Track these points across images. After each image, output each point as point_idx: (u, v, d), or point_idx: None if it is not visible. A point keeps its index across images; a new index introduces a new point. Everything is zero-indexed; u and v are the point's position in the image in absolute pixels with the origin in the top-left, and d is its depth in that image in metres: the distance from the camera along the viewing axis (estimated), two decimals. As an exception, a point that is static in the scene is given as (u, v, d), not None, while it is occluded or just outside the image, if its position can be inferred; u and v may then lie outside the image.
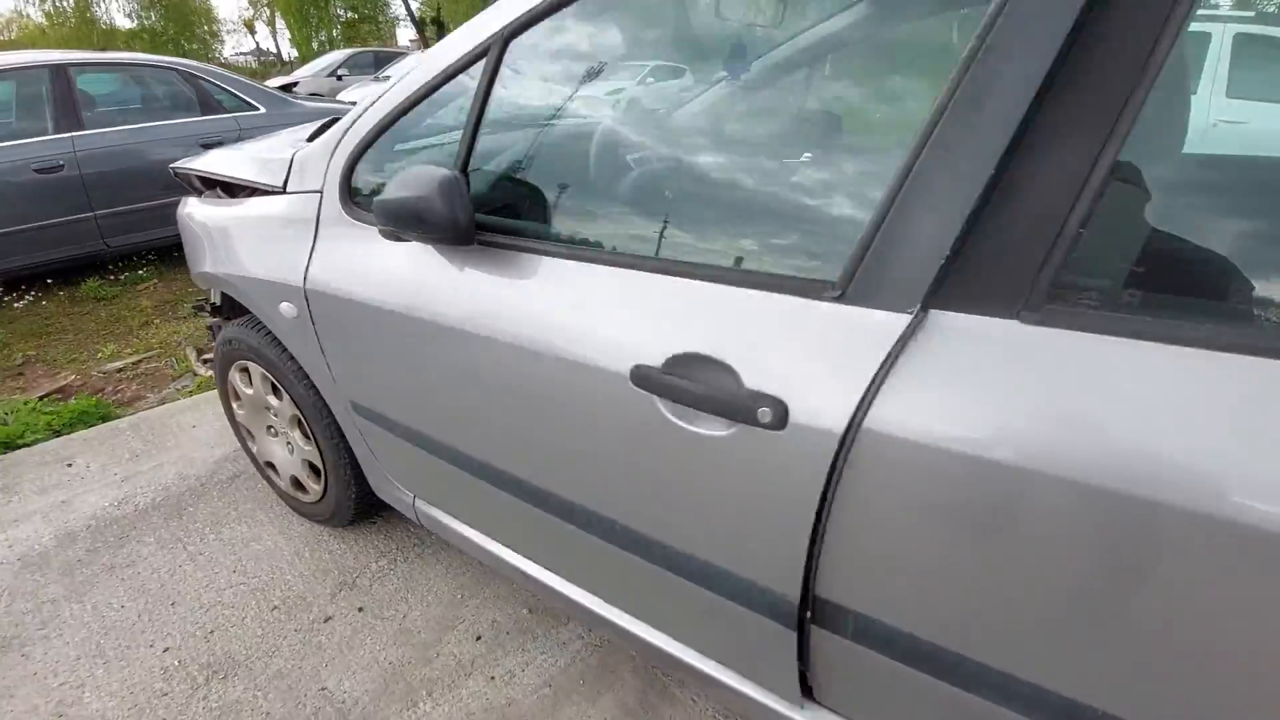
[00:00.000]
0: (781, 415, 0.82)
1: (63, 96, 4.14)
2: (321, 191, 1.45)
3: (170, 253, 5.02)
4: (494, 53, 1.13)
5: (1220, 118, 3.81)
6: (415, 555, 1.91)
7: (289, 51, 29.51)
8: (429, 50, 1.31)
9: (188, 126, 4.55)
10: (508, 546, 1.40)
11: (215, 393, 2.76)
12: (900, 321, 0.76)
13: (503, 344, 1.10)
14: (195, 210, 1.86)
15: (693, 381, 0.90)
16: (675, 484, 0.98)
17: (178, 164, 2.00)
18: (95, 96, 4.41)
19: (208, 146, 4.54)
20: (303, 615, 1.72)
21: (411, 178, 1.08)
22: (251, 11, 31.46)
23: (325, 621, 1.70)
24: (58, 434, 2.57)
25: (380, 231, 1.26)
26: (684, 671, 1.17)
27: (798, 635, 0.94)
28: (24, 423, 2.57)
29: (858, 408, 0.77)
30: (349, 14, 28.14)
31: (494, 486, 1.27)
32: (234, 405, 2.02)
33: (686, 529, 1.00)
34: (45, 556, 1.92)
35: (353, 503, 1.82)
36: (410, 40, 33.76)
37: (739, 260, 0.98)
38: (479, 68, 1.16)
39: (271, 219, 1.58)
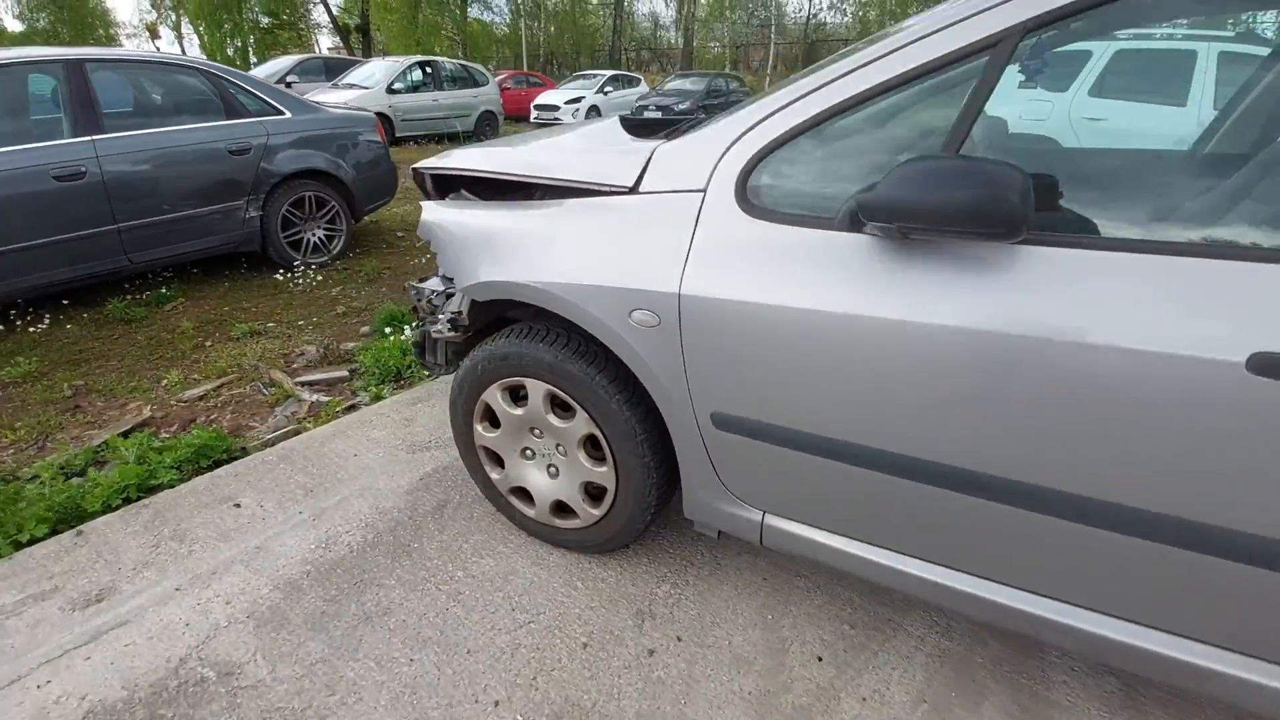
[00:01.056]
0: None
1: (80, 95, 3.69)
2: (704, 191, 1.35)
3: (188, 270, 4.56)
4: (1005, 46, 1.09)
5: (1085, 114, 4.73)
6: (695, 577, 1.80)
7: (197, 57, 27.63)
8: (870, 48, 1.24)
9: (214, 131, 4.17)
10: (901, 553, 1.34)
11: (355, 418, 2.53)
12: None
13: (1036, 340, 1.06)
14: (463, 215, 1.70)
15: None
16: (1263, 465, 0.97)
17: (422, 164, 1.82)
18: (113, 97, 3.95)
19: (235, 153, 4.20)
20: (621, 650, 1.58)
21: (957, 173, 1.02)
22: (154, 15, 29.21)
23: (650, 655, 1.57)
24: (182, 472, 2.26)
25: (875, 229, 1.14)
26: (1172, 671, 1.16)
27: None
28: (152, 462, 2.25)
29: None
30: (266, 20, 26.64)
31: (946, 490, 1.22)
32: (478, 429, 1.85)
33: (1256, 506, 0.99)
34: (279, 611, 1.68)
35: (644, 526, 1.71)
36: (330, 48, 32.38)
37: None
38: (976, 62, 1.12)
39: (616, 221, 1.45)
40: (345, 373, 3.14)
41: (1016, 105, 6.29)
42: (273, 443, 2.48)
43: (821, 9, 23.96)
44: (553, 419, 1.69)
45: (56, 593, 1.71)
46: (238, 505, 2.07)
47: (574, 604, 1.71)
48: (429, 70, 11.55)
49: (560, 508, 1.82)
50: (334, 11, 27.22)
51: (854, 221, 1.20)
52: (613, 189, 1.47)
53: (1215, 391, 0.97)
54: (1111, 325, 1.02)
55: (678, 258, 1.36)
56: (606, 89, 15.06)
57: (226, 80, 4.33)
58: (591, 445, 1.69)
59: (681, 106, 13.73)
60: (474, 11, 26.04)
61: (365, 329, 3.72)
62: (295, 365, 3.28)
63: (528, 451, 1.82)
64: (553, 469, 1.79)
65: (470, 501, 2.09)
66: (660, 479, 1.63)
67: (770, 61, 21.90)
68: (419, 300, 2.14)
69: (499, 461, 1.89)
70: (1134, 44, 5.80)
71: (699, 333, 1.36)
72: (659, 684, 1.50)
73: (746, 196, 1.31)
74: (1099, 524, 1.11)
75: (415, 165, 1.85)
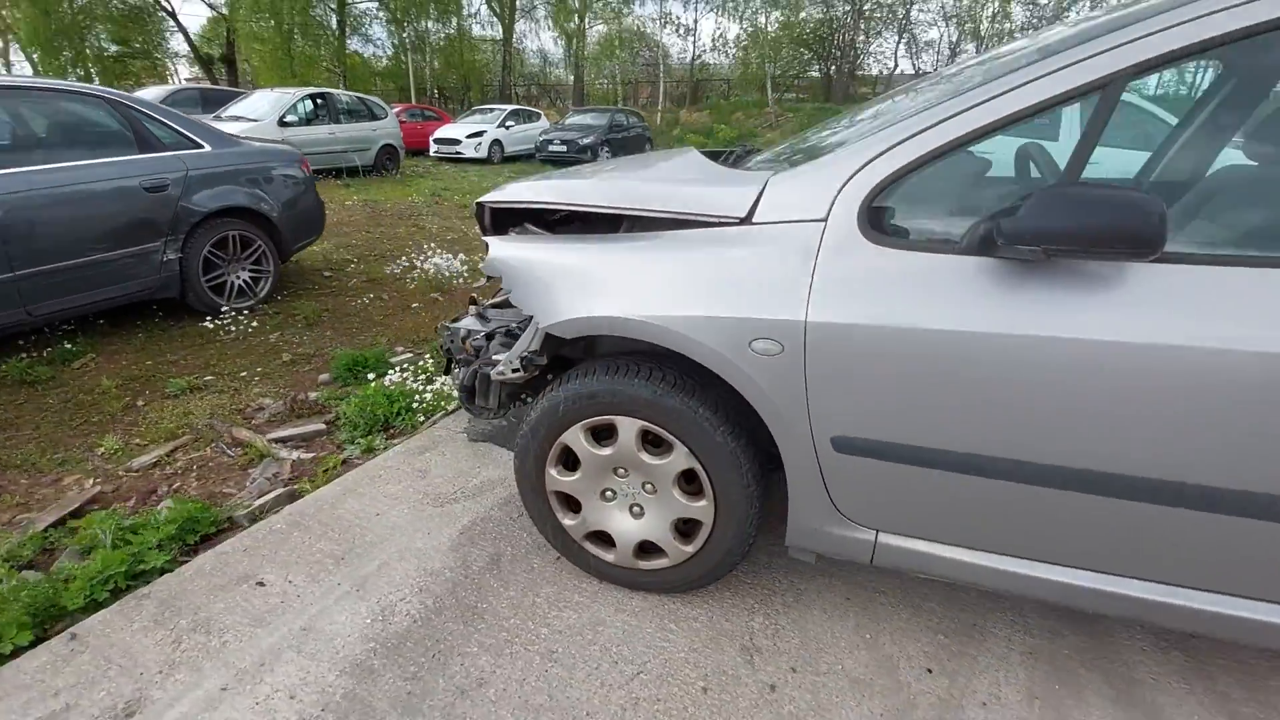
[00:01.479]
0: None
1: (-37, 126, 3.19)
2: (825, 220, 1.38)
3: (92, 321, 4.00)
4: (1115, 88, 1.22)
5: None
6: (784, 605, 1.79)
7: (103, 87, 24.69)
8: (996, 89, 1.31)
9: (126, 166, 3.73)
10: (1020, 557, 1.42)
11: (359, 474, 2.33)
12: None
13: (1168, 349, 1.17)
14: (546, 250, 1.63)
15: None
16: None
17: (487, 198, 1.72)
18: (2, 129, 3.44)
19: (151, 190, 3.78)
20: (743, 690, 1.54)
21: (1101, 201, 1.12)
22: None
23: (772, 690, 1.54)
24: (172, 552, 1.97)
25: (1039, 253, 1.20)
26: (1238, 630, 1.30)
27: None
28: (133, 545, 1.93)
29: None
30: (115, 48, 24.28)
31: (1047, 488, 1.30)
32: (551, 473, 1.75)
33: None
34: (358, 699, 1.48)
35: (741, 558, 1.68)
36: (187, 78, 30.00)
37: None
38: (1090, 99, 1.24)
39: (730, 253, 1.45)
40: (321, 425, 2.87)
41: None
42: (269, 509, 2.22)
43: (705, 50, 25.31)
44: (645, 456, 1.64)
45: (72, 711, 1.42)
46: (261, 584, 1.82)
47: (675, 648, 1.65)
48: (322, 102, 10.99)
49: (643, 549, 1.75)
50: (194, 40, 25.31)
51: (984, 245, 1.27)
52: (723, 220, 1.48)
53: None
54: (1234, 329, 1.15)
55: (801, 286, 1.38)
56: (508, 123, 15.00)
57: (137, 110, 3.90)
58: (685, 480, 1.65)
59: (586, 141, 13.94)
60: (353, 44, 25.16)
61: (324, 377, 3.43)
62: (257, 421, 2.96)
63: (608, 493, 1.74)
64: (636, 509, 1.73)
65: (526, 552, 1.97)
66: (761, 509, 1.62)
67: (660, 99, 22.81)
68: (454, 342, 2.02)
69: (572, 507, 1.80)
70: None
71: (825, 359, 1.38)
72: (790, 717, 1.47)
73: (871, 224, 1.36)
74: (1230, 511, 1.23)
75: (479, 199, 1.76)
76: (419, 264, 5.45)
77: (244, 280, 4.45)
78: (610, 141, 14.49)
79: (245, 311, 4.29)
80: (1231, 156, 1.73)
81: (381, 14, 24.32)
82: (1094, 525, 1.33)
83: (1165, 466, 1.24)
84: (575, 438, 1.68)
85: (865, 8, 22.07)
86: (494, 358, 1.84)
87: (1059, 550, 1.39)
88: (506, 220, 1.83)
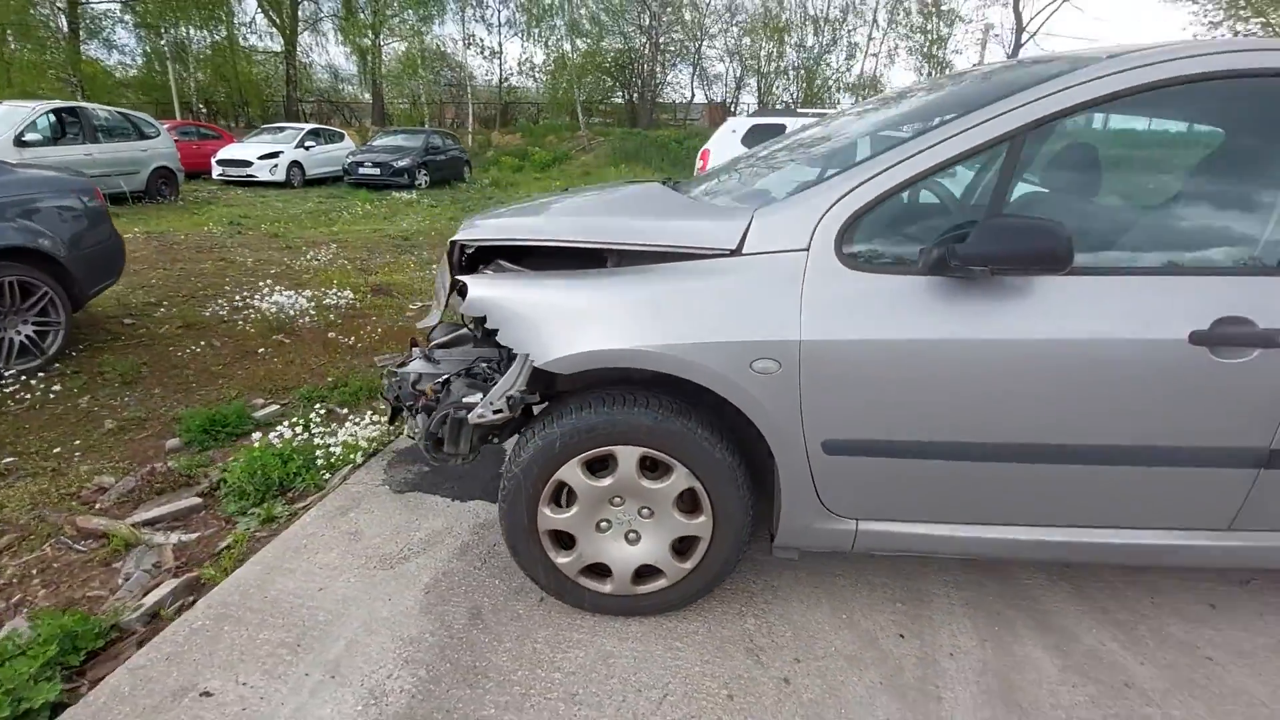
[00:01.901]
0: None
1: None
2: (808, 250, 1.55)
3: None
4: (1019, 139, 1.53)
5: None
6: (766, 604, 1.93)
7: None
8: (938, 136, 1.55)
9: None
10: (980, 523, 1.70)
11: (277, 547, 2.08)
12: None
13: (1064, 342, 1.50)
14: (535, 288, 1.60)
15: (1235, 332, 1.49)
16: (1200, 400, 1.53)
17: (462, 235, 1.63)
18: None
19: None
20: (763, 688, 1.63)
21: (1029, 229, 1.40)
22: None
23: (787, 683, 1.66)
24: (62, 679, 1.59)
25: (986, 271, 1.44)
26: (1131, 556, 1.70)
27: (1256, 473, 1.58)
28: (3, 681, 1.52)
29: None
30: None
31: (995, 462, 1.59)
32: (544, 512, 1.70)
33: (1195, 428, 1.56)
34: (379, 793, 1.33)
35: (735, 565, 1.79)
36: None
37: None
38: (1001, 150, 1.54)
39: (725, 282, 1.55)
40: (196, 499, 2.46)
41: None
42: (171, 606, 1.87)
43: (512, 73, 25.30)
44: (645, 482, 1.68)
45: None
46: (207, 693, 1.54)
47: (689, 663, 1.70)
48: (73, 118, 9.23)
49: (639, 574, 1.78)
50: None
51: (937, 266, 1.51)
52: (715, 251, 1.58)
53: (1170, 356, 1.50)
54: (1114, 324, 1.51)
55: (792, 310, 1.53)
56: (307, 143, 13.73)
57: None
58: (682, 500, 1.72)
59: (402, 163, 13.26)
60: (92, 50, 21.36)
61: (174, 442, 2.93)
62: (103, 504, 2.46)
63: (603, 524, 1.75)
64: (632, 535, 1.76)
65: (506, 600, 1.89)
66: (754, 517, 1.74)
67: (469, 121, 22.34)
68: (404, 388, 1.90)
69: (564, 543, 1.77)
70: (813, 121, 7.45)
71: (815, 372, 1.54)
72: (814, 704, 1.60)
73: (845, 252, 1.55)
74: (1098, 461, 1.58)
75: (453, 238, 1.67)
76: (254, 303, 4.84)
77: (27, 336, 3.64)
78: (428, 164, 13.91)
79: (37, 374, 3.50)
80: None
81: (127, 17, 20.96)
82: (1025, 487, 1.64)
83: (1075, 432, 1.57)
84: (572, 473, 1.67)
85: (661, 41, 23.71)
86: (465, 400, 1.76)
87: (1000, 513, 1.69)
88: (474, 258, 1.76)
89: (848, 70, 23.90)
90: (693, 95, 26.16)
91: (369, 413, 2.98)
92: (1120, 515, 1.68)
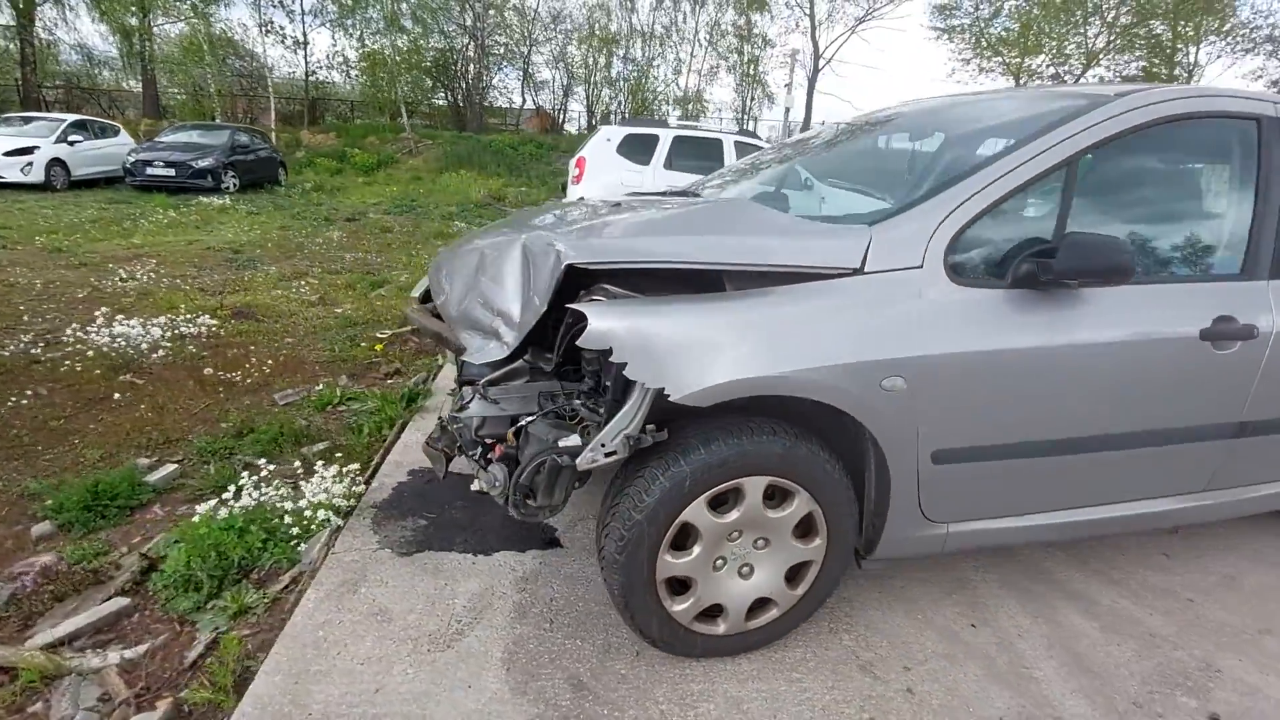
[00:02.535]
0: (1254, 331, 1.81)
1: None
2: (921, 266, 1.58)
3: None
4: (1075, 162, 1.69)
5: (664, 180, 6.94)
6: (849, 616, 1.94)
7: None
8: (1015, 161, 1.65)
9: None
10: (1046, 511, 1.87)
11: (284, 646, 1.71)
12: None
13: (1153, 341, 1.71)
14: (663, 317, 1.44)
15: (1226, 328, 1.79)
16: (1204, 386, 1.83)
17: (579, 257, 1.41)
18: None
19: None
20: (892, 703, 1.64)
21: (1107, 245, 1.55)
22: None
23: (911, 693, 1.68)
24: None
25: (1074, 284, 1.59)
26: (1146, 522, 1.99)
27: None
28: None
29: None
30: None
31: (1068, 455, 1.77)
32: (666, 559, 1.55)
33: (1197, 409, 1.86)
34: None
35: (838, 584, 1.78)
36: None
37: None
38: (1062, 172, 1.69)
39: (851, 301, 1.53)
40: (121, 599, 1.91)
41: (618, 174, 7.70)
42: (174, 750, 1.42)
43: (321, 67, 22.81)
44: (769, 512, 1.60)
45: None
46: None
47: (816, 693, 1.65)
48: None
49: (753, 608, 1.70)
50: None
51: (1027, 280, 1.63)
52: (839, 271, 1.55)
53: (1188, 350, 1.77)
54: (1151, 326, 1.74)
55: (913, 326, 1.56)
56: (72, 138, 11.28)
57: None
58: (799, 525, 1.67)
59: (204, 163, 11.45)
60: None
61: (42, 527, 2.25)
62: (-25, 628, 1.81)
63: (719, 561, 1.64)
64: (745, 569, 1.67)
65: (601, 661, 1.70)
66: (868, 530, 1.75)
67: (270, 117, 19.81)
68: (469, 435, 1.64)
69: (676, 590, 1.63)
70: (685, 133, 7.77)
71: (933, 386, 1.58)
72: (945, 709, 1.64)
73: (950, 267, 1.61)
74: (1139, 445, 1.82)
75: (568, 261, 1.43)
76: (81, 336, 3.87)
77: None
78: (235, 165, 12.13)
79: None
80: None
81: None
82: (1087, 474, 1.83)
83: (1126, 421, 1.79)
84: (699, 511, 1.54)
85: (486, 43, 22.96)
86: (563, 444, 1.54)
87: (1065, 499, 1.86)
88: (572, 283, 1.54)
89: (675, 84, 25.10)
90: (524, 101, 25.76)
91: (320, 463, 2.51)
92: (1144, 488, 1.94)
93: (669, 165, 7.66)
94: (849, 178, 2.35)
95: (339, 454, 2.84)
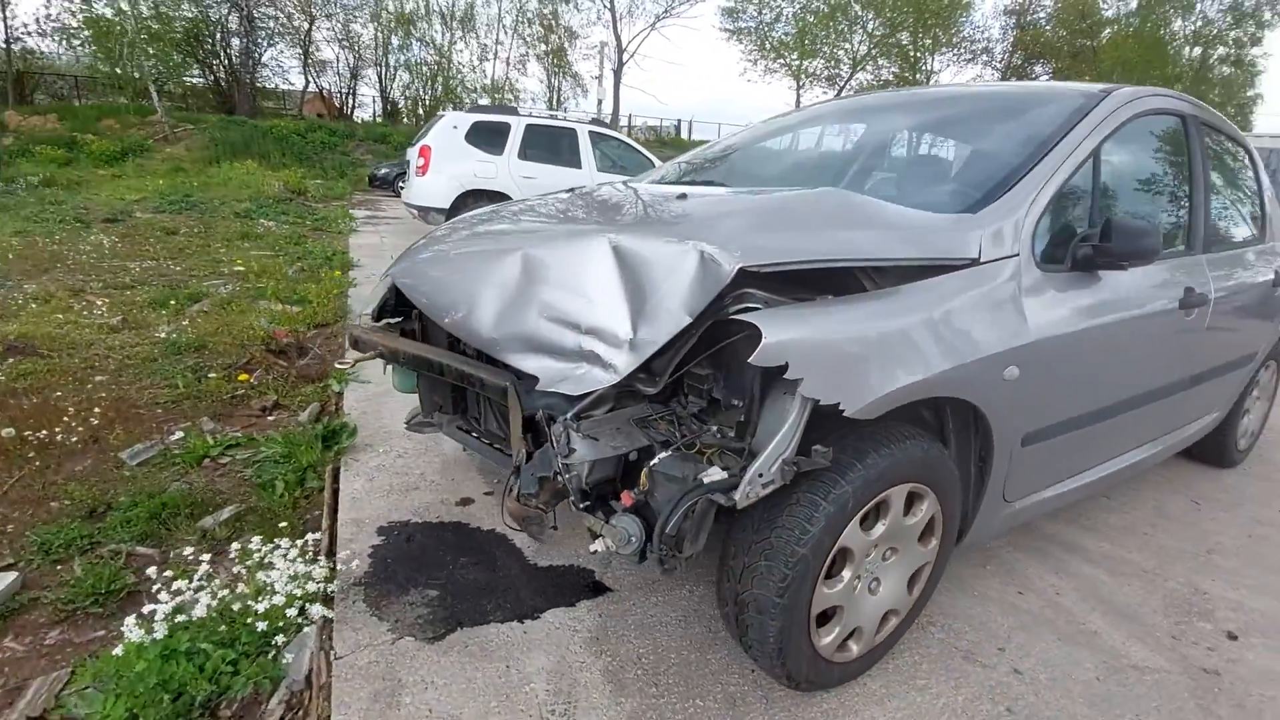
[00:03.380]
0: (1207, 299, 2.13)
1: None
2: (1019, 254, 1.57)
3: None
4: (1099, 154, 1.82)
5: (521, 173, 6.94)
6: (937, 608, 1.93)
7: None
8: (1070, 147, 1.73)
9: None
10: (1085, 472, 2.01)
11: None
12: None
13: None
14: (833, 324, 1.26)
15: (1192, 296, 2.07)
16: (1181, 347, 2.11)
17: (752, 260, 1.14)
18: None
19: None
20: (1017, 691, 1.64)
21: (1145, 230, 1.67)
22: None
23: (1019, 674, 1.70)
24: None
25: (1101, 264, 1.67)
26: (1137, 469, 2.27)
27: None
28: None
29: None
30: None
31: (1114, 417, 1.93)
32: (822, 590, 1.38)
33: (1175, 367, 2.14)
34: None
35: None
36: None
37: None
38: (1090, 162, 1.80)
39: (975, 293, 1.47)
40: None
41: (469, 163, 7.15)
42: None
43: (29, 32, 17.87)
44: (906, 520, 1.51)
45: None
46: None
47: (947, 696, 1.60)
48: None
49: (881, 621, 1.60)
50: None
51: (1084, 263, 1.72)
52: (962, 262, 1.49)
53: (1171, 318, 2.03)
54: (1156, 297, 1.95)
55: (1020, 314, 1.56)
56: None
57: None
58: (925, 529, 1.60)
59: None
60: None
61: None
62: None
63: (855, 582, 1.51)
64: (874, 584, 1.56)
65: (734, 715, 1.48)
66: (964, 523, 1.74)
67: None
68: (578, 483, 1.34)
69: (821, 621, 1.47)
70: (538, 121, 7.41)
71: (1036, 371, 1.60)
72: (1055, 681, 1.68)
73: (1036, 254, 1.63)
74: (1150, 400, 2.06)
75: (741, 265, 1.15)
76: None
77: None
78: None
79: None
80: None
81: None
82: (1123, 430, 2.01)
83: (1148, 381, 1.99)
84: (853, 532, 1.40)
85: (255, 14, 19.86)
86: (707, 480, 1.29)
87: (1102, 454, 2.03)
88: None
89: (481, 71, 23.92)
90: (306, 83, 22.84)
91: (256, 538, 1.90)
92: (1142, 437, 2.20)
93: (523, 155, 7.25)
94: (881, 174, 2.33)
95: (252, 519, 2.23)
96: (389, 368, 2.18)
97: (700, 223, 1.56)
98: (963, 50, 24.35)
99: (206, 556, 1.85)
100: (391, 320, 2.19)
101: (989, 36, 24.71)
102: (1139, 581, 2.15)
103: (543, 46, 24.10)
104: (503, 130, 7.22)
